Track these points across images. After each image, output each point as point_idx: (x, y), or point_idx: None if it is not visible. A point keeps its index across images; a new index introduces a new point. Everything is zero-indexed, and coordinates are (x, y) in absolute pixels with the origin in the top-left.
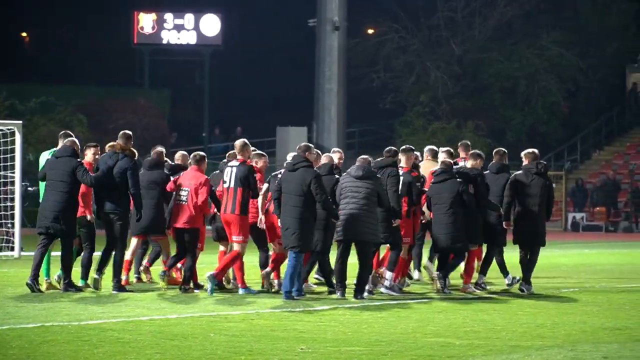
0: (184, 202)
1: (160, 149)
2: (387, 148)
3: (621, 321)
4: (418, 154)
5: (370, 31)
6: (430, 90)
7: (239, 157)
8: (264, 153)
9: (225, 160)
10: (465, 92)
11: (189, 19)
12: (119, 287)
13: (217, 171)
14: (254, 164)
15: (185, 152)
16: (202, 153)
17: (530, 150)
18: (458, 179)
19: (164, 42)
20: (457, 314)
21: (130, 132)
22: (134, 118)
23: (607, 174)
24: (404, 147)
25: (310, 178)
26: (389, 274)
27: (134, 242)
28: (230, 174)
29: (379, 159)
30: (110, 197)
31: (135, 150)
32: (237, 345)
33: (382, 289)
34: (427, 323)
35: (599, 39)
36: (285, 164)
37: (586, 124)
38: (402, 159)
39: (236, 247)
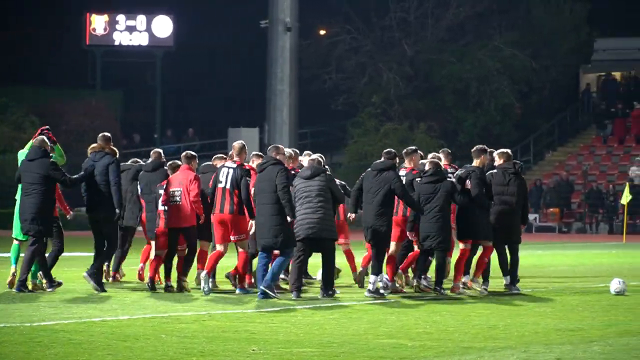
0: (177, 202)
1: (158, 150)
2: (387, 150)
3: (574, 322)
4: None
5: (322, 32)
6: (383, 91)
7: (236, 158)
8: (261, 154)
9: (210, 162)
10: (417, 93)
11: (141, 20)
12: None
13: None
14: (251, 163)
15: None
16: (192, 152)
17: (503, 150)
18: (449, 179)
19: (116, 43)
20: (409, 315)
21: (109, 134)
22: (86, 120)
23: (560, 175)
24: (407, 149)
25: (276, 171)
26: (373, 278)
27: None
28: (226, 174)
29: (378, 161)
30: (99, 198)
31: (116, 149)
32: (189, 347)
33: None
34: (379, 324)
35: (552, 39)
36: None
37: (539, 125)
38: (406, 160)
39: (239, 248)
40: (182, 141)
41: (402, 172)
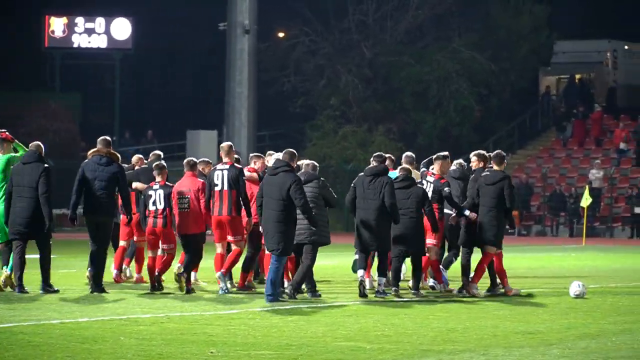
0: (187, 209)
1: (158, 152)
2: (377, 154)
3: (533, 325)
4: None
5: (280, 35)
6: (341, 93)
7: (226, 159)
8: (261, 155)
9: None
10: (376, 95)
11: (99, 22)
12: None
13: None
14: (252, 165)
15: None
16: (194, 159)
17: (480, 152)
18: (419, 186)
19: (75, 45)
20: (367, 317)
21: (109, 138)
22: (46, 122)
23: (520, 177)
24: (437, 154)
25: (290, 182)
26: (381, 280)
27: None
28: (221, 177)
29: (370, 166)
30: (101, 202)
31: (118, 154)
32: (147, 349)
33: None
34: (337, 327)
35: (511, 42)
36: (266, 169)
37: (499, 127)
38: (435, 165)
39: (234, 246)
40: (141, 143)
41: (429, 179)
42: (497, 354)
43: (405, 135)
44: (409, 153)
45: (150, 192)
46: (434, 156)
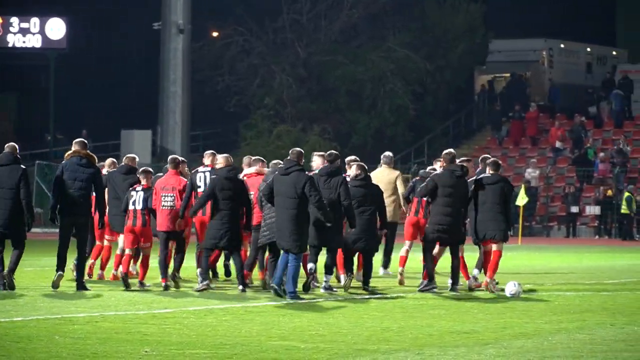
0: (170, 207)
1: (132, 155)
2: (329, 152)
3: (469, 325)
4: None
5: (214, 34)
6: (275, 93)
7: (207, 162)
8: (262, 158)
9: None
10: (310, 95)
11: (34, 22)
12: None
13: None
14: (259, 168)
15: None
16: (180, 157)
17: (449, 150)
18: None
19: (10, 45)
20: (302, 317)
21: (85, 140)
22: None
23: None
24: (462, 158)
25: (305, 180)
26: (327, 276)
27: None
28: (204, 179)
29: (325, 165)
30: (77, 202)
31: (94, 156)
32: (82, 348)
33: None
34: (271, 326)
35: (446, 41)
36: (277, 168)
37: (434, 126)
38: (437, 165)
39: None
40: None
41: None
42: (432, 354)
43: (340, 135)
44: (387, 153)
45: (132, 193)
46: (459, 160)
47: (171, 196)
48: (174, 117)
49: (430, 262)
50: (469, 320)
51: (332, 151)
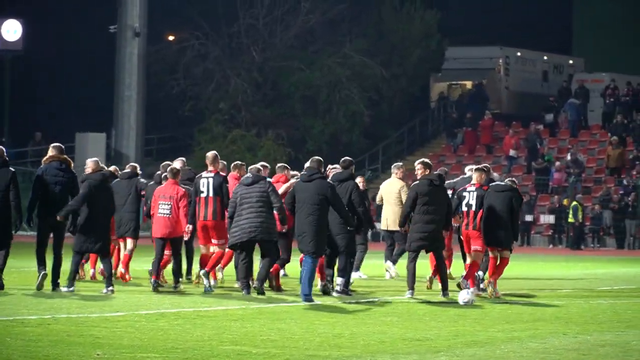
0: (166, 215)
1: (133, 164)
2: (343, 159)
3: (421, 332)
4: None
5: (170, 38)
6: (230, 98)
7: (211, 168)
8: (266, 164)
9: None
10: (265, 100)
11: None
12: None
13: (152, 182)
14: (284, 174)
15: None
16: (177, 167)
17: (424, 160)
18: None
19: None
20: (253, 322)
21: (61, 145)
22: None
23: (408, 183)
24: (478, 166)
25: (326, 188)
26: (340, 280)
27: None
28: (207, 184)
29: (338, 172)
30: (57, 206)
31: (71, 160)
32: (34, 350)
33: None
34: (223, 331)
35: (402, 47)
36: (300, 175)
37: (389, 133)
38: (476, 175)
39: (218, 249)
40: (30, 145)
41: (471, 188)
42: None
43: (294, 140)
44: (398, 163)
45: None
46: (475, 167)
47: (168, 204)
48: (128, 120)
49: (443, 268)
50: (421, 328)
51: (347, 158)
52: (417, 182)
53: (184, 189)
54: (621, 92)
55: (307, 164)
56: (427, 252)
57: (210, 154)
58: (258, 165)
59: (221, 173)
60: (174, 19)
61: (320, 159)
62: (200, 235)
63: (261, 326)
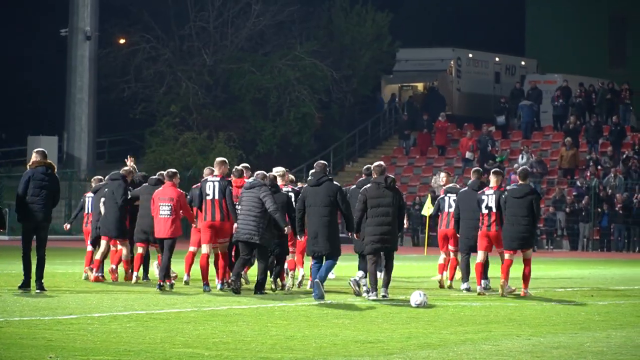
0: (167, 216)
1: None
2: (366, 166)
3: (374, 334)
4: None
5: (121, 41)
6: (181, 100)
7: (217, 172)
8: (283, 169)
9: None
10: (216, 102)
11: None
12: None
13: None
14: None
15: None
16: (174, 170)
17: (378, 163)
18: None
19: None
20: (206, 324)
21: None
22: None
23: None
24: (494, 169)
25: (336, 190)
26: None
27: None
28: (212, 187)
29: (361, 179)
30: (42, 209)
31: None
32: None
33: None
34: (175, 333)
35: (353, 49)
36: (308, 180)
37: (340, 135)
38: (492, 179)
39: (219, 249)
40: None
41: (489, 191)
42: None
43: (245, 142)
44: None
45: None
46: (492, 170)
47: (168, 206)
48: (80, 123)
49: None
50: (373, 330)
51: (369, 165)
52: (366, 187)
53: (180, 191)
54: (574, 93)
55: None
56: (384, 253)
57: (218, 160)
58: (263, 172)
59: (227, 178)
60: (125, 21)
61: (325, 162)
62: (207, 235)
63: (214, 328)
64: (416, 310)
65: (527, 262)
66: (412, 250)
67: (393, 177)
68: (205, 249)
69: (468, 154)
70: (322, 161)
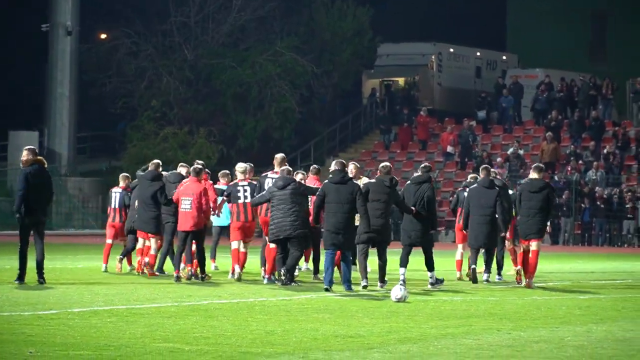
0: (188, 210)
1: (157, 160)
2: (423, 165)
3: (353, 329)
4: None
5: (103, 36)
6: (162, 95)
7: (242, 177)
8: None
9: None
10: (197, 97)
11: None
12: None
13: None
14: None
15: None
16: (200, 166)
17: (385, 164)
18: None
19: None
20: (186, 319)
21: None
22: None
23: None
24: (536, 165)
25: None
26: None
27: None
28: (242, 191)
29: (416, 175)
30: (40, 206)
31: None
32: None
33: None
34: (155, 328)
35: (334, 44)
36: (330, 176)
37: (321, 130)
38: (535, 174)
39: (244, 246)
40: None
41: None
42: (317, 357)
43: (226, 137)
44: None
45: (112, 194)
46: (533, 166)
47: (189, 200)
48: (60, 118)
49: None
50: (354, 324)
51: (427, 164)
52: (371, 181)
53: (204, 186)
54: (555, 87)
55: (332, 167)
56: (373, 245)
57: (240, 166)
58: (288, 168)
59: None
60: (106, 16)
61: (343, 161)
62: (238, 234)
63: (194, 323)
64: (396, 304)
65: (534, 253)
66: (393, 244)
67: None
68: (234, 245)
69: (449, 148)
70: (342, 160)
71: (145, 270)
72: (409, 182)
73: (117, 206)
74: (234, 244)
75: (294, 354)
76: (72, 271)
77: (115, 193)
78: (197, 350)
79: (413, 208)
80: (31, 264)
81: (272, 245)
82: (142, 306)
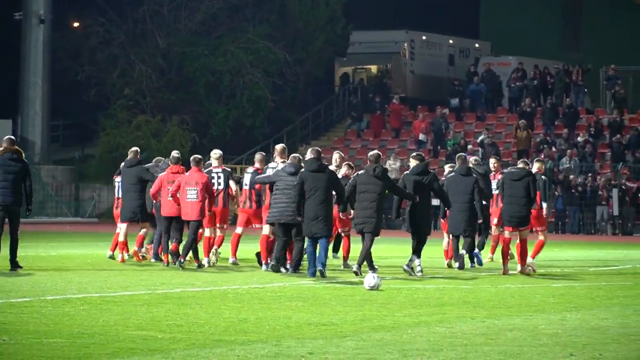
0: (194, 199)
1: (135, 148)
2: (459, 154)
3: (327, 317)
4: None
5: (75, 24)
6: (135, 83)
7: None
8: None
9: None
10: (170, 86)
11: None
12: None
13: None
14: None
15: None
16: (199, 156)
17: (373, 152)
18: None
19: None
20: (159, 307)
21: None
22: None
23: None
24: (537, 158)
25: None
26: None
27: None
28: (216, 178)
29: (457, 167)
30: (11, 194)
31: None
32: None
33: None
34: (129, 316)
35: (307, 32)
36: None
37: (293, 118)
38: (537, 164)
39: (220, 232)
40: None
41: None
42: (290, 345)
43: (199, 125)
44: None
45: (116, 184)
46: (536, 159)
47: (194, 190)
48: (34, 107)
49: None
50: (327, 312)
51: (462, 153)
52: (359, 172)
53: (207, 176)
54: (528, 75)
55: (308, 155)
56: (360, 233)
57: (217, 152)
58: (299, 156)
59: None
60: (79, 4)
61: (319, 149)
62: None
63: (167, 311)
64: (369, 292)
65: (523, 242)
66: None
67: (383, 167)
68: (239, 230)
69: (422, 136)
70: (317, 148)
71: (144, 254)
72: (452, 173)
73: (121, 195)
74: (207, 231)
75: (267, 342)
76: (45, 259)
77: (118, 182)
78: (170, 338)
79: (417, 196)
80: (5, 252)
81: (266, 232)
82: (115, 294)
